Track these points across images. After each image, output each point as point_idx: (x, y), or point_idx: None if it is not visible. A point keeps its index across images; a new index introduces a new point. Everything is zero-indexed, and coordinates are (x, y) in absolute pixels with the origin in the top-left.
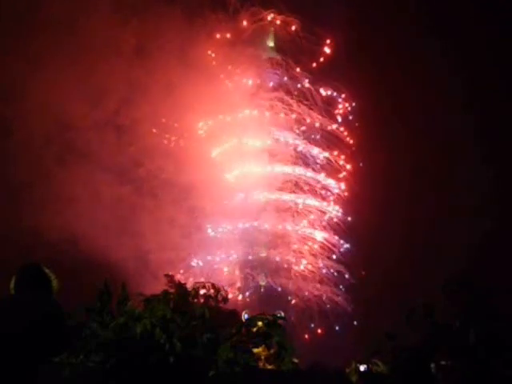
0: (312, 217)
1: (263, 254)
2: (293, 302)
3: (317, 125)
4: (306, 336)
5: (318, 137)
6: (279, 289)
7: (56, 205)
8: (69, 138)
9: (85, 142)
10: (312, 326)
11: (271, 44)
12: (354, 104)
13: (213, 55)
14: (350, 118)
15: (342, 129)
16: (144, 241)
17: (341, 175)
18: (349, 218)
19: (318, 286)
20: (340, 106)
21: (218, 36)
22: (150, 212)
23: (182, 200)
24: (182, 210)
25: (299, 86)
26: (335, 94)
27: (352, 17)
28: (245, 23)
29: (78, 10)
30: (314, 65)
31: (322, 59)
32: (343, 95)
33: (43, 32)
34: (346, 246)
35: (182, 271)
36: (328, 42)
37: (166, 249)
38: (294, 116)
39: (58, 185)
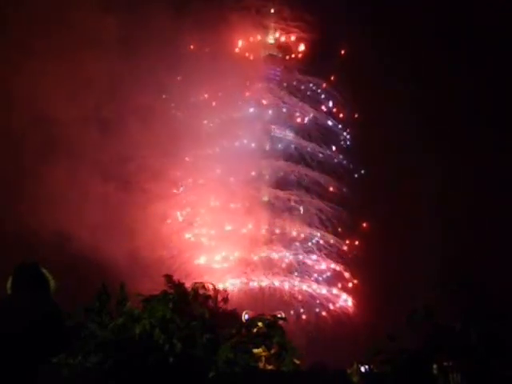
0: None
1: (264, 254)
2: (292, 302)
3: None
4: (306, 336)
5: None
6: (280, 289)
7: (45, 203)
8: (61, 136)
9: (75, 138)
10: (312, 325)
11: (271, 41)
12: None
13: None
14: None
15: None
16: (135, 238)
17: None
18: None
19: (319, 286)
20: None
21: (209, 48)
22: (141, 208)
23: (176, 196)
24: (176, 207)
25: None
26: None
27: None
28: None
29: (62, 2)
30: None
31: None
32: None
33: (27, 25)
34: (345, 244)
35: (175, 269)
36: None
37: (158, 246)
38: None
39: (46, 182)
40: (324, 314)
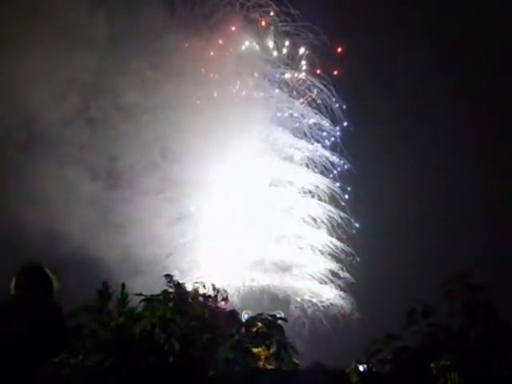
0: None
1: (263, 255)
2: (293, 301)
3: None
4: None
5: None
6: (280, 289)
7: (33, 202)
8: (49, 134)
9: (64, 136)
10: (313, 325)
11: (270, 44)
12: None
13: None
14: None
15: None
16: (126, 235)
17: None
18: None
19: (319, 285)
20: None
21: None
22: (131, 205)
23: (176, 197)
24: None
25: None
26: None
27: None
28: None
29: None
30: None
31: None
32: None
33: (12, 21)
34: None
35: (169, 267)
36: None
37: (150, 243)
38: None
39: (33, 181)
40: (322, 313)
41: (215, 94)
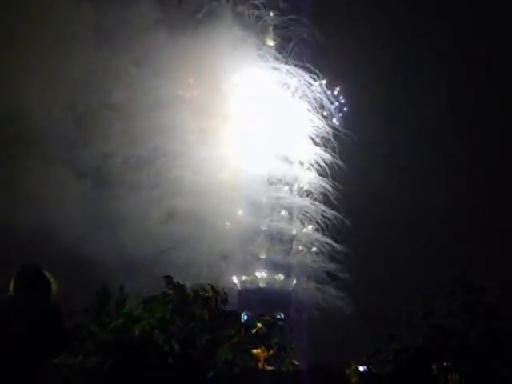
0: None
1: (262, 256)
2: (292, 301)
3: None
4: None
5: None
6: (279, 289)
7: (23, 200)
8: (37, 132)
9: (52, 133)
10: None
11: (270, 43)
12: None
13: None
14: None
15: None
16: (118, 233)
17: None
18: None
19: (318, 285)
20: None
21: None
22: (123, 202)
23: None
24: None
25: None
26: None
27: None
28: None
29: None
30: None
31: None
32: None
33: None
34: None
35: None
36: None
37: (143, 240)
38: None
39: (22, 178)
40: (322, 313)
41: (205, 89)
